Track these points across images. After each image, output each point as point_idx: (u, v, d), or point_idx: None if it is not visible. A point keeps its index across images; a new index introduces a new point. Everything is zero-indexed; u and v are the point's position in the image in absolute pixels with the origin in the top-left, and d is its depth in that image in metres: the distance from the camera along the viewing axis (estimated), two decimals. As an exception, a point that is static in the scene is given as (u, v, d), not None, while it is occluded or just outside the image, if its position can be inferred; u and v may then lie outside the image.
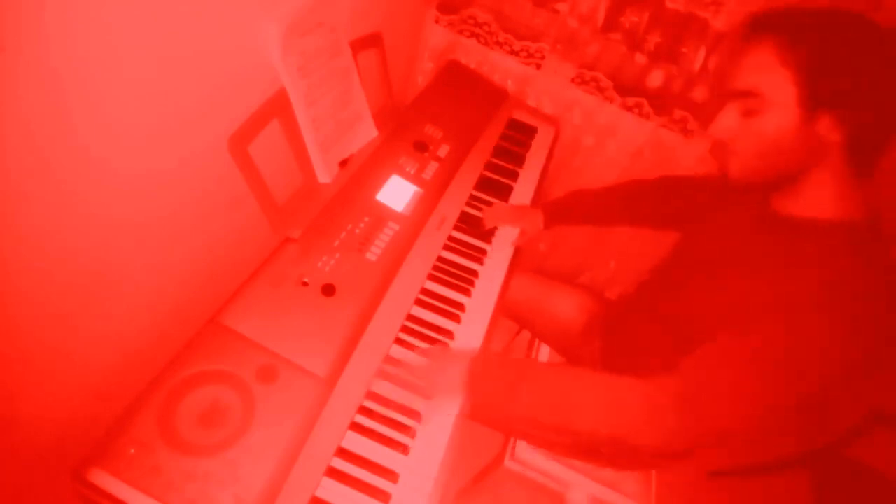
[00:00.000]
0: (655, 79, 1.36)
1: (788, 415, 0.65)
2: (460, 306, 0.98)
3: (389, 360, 0.85)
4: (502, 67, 1.48)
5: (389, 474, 0.74)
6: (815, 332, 0.61)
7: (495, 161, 1.26)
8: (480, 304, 1.00)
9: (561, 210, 1.14)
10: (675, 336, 0.78)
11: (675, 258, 0.90)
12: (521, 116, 1.40)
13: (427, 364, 0.84)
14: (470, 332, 0.95)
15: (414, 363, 0.85)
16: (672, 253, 0.92)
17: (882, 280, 0.62)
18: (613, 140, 1.48)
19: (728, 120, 0.68)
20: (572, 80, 1.43)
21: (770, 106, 0.64)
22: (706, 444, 0.71)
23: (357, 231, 0.93)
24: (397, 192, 1.02)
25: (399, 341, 0.89)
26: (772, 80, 0.63)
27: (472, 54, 1.48)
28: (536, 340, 1.25)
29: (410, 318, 0.93)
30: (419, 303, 0.95)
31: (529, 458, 1.05)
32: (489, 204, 1.17)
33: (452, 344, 0.92)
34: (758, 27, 0.66)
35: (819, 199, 0.67)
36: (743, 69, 0.66)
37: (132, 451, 0.62)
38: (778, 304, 0.63)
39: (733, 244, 0.76)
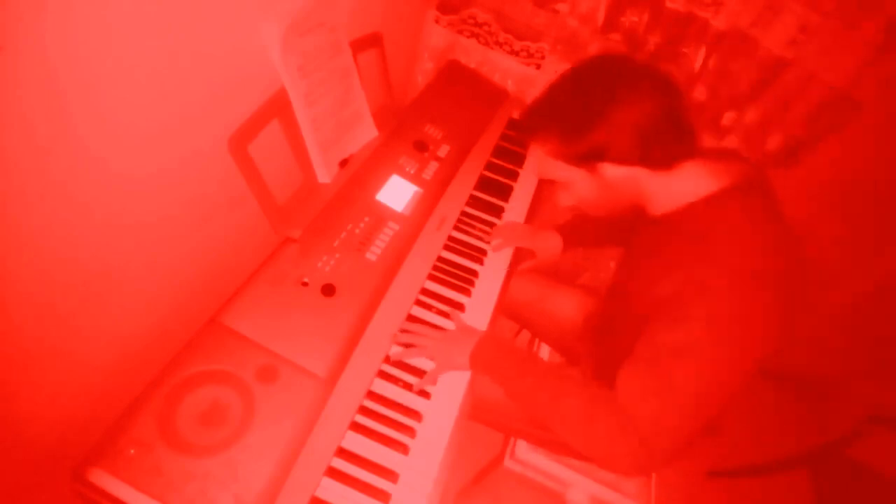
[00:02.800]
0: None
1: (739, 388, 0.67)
2: (460, 306, 0.98)
3: (408, 320, 0.92)
4: (502, 67, 1.48)
5: (389, 474, 0.74)
6: (711, 323, 0.65)
7: (495, 161, 1.26)
8: (480, 304, 1.00)
9: (578, 233, 1.13)
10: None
11: (623, 265, 0.93)
12: (521, 116, 1.40)
13: (444, 333, 0.89)
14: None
15: (428, 332, 0.89)
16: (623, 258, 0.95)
17: (758, 237, 0.67)
18: (613, 140, 1.48)
19: (563, 198, 0.83)
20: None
21: (568, 180, 0.78)
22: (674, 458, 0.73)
23: (357, 231, 0.93)
24: (397, 192, 1.02)
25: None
26: (551, 167, 0.77)
27: (472, 54, 1.48)
28: (536, 340, 1.25)
29: (410, 317, 0.93)
30: (419, 303, 0.95)
31: (529, 458, 1.05)
32: (489, 204, 1.18)
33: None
34: (522, 134, 0.80)
35: (673, 192, 0.74)
36: (536, 165, 0.82)
37: (132, 451, 0.62)
38: (693, 293, 0.66)
39: (647, 253, 0.81)
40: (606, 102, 0.69)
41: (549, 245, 1.12)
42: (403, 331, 0.88)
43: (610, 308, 0.96)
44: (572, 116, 0.72)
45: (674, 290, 0.67)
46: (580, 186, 0.78)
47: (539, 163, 0.80)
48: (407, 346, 0.87)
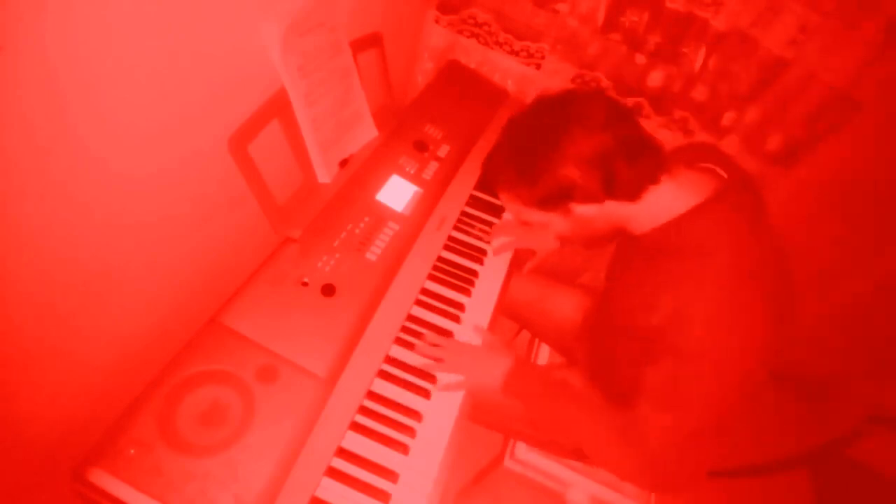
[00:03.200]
0: (655, 79, 1.36)
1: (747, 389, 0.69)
2: (460, 306, 0.98)
3: (409, 321, 0.93)
4: (502, 67, 1.48)
5: (389, 474, 0.74)
6: (726, 324, 0.66)
7: (495, 161, 1.26)
8: (480, 304, 1.00)
9: None
10: (628, 357, 0.81)
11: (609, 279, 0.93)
12: (521, 116, 1.40)
13: (473, 351, 0.90)
14: (470, 332, 0.95)
15: (456, 347, 0.90)
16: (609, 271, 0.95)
17: (740, 248, 0.67)
18: (613, 140, 1.48)
19: (548, 234, 0.84)
20: (572, 81, 1.43)
21: (544, 222, 0.78)
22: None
23: (357, 231, 0.93)
24: (397, 192, 1.02)
25: (399, 341, 0.89)
26: (524, 212, 0.77)
27: (472, 54, 1.48)
28: (536, 340, 1.24)
29: (410, 318, 0.93)
30: (419, 303, 0.95)
31: (529, 458, 1.05)
32: (489, 204, 1.17)
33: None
34: (487, 186, 0.80)
35: (650, 214, 0.73)
36: (511, 212, 0.82)
37: (132, 451, 0.62)
38: (687, 306, 0.67)
39: (633, 269, 0.82)
40: (558, 146, 0.69)
41: (546, 241, 1.12)
42: (433, 344, 0.89)
43: (600, 317, 0.97)
44: (528, 166, 0.72)
45: (669, 311, 0.68)
46: (557, 226, 0.78)
47: (512, 209, 0.80)
48: (435, 359, 0.88)
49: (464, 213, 1.13)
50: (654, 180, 0.71)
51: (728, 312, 0.65)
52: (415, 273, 0.97)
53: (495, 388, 0.86)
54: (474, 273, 1.04)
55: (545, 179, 0.70)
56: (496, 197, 0.79)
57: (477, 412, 0.94)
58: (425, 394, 0.85)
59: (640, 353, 0.73)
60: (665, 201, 0.72)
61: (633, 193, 0.71)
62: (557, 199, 0.72)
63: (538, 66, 1.44)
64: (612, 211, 0.73)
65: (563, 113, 0.70)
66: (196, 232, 0.84)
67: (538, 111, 0.74)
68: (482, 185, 0.82)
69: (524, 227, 1.14)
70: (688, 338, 0.66)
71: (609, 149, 0.67)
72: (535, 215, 0.77)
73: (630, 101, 1.40)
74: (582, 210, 0.73)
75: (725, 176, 0.74)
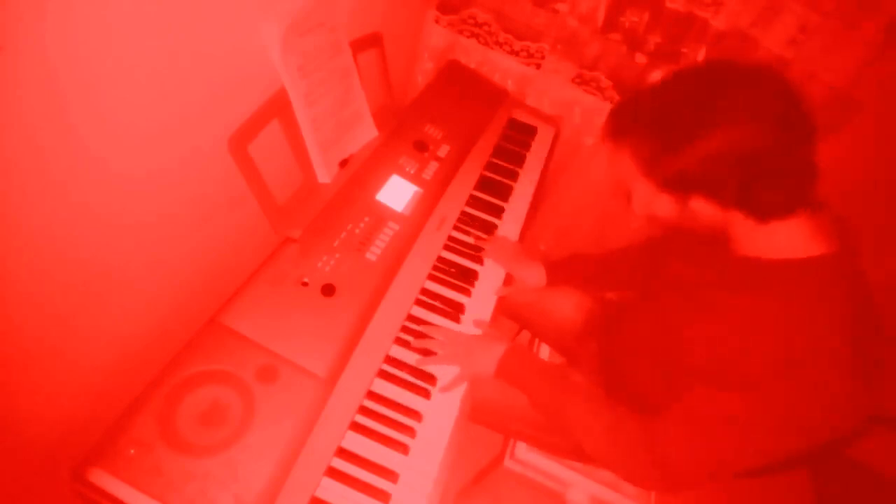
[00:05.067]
0: (655, 79, 1.36)
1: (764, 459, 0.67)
2: (460, 306, 0.98)
3: (409, 321, 0.92)
4: (502, 67, 1.48)
5: (389, 474, 0.74)
6: (777, 400, 0.62)
7: (495, 161, 1.26)
8: (480, 304, 1.00)
9: (565, 273, 1.11)
10: (660, 369, 0.78)
11: (660, 286, 0.87)
12: (521, 116, 1.40)
13: (468, 340, 0.89)
14: (470, 332, 0.95)
15: (450, 337, 0.90)
16: (657, 277, 0.89)
17: (846, 319, 0.61)
18: (613, 140, 1.48)
19: (638, 207, 0.73)
20: (572, 80, 1.43)
21: (648, 198, 0.69)
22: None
23: (357, 231, 0.93)
24: (397, 192, 1.02)
25: (399, 341, 0.89)
26: (632, 179, 0.69)
27: (472, 54, 1.48)
28: (536, 340, 1.24)
29: (410, 318, 0.93)
30: (419, 303, 0.95)
31: (529, 458, 1.05)
32: (489, 204, 1.17)
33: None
34: (611, 133, 0.71)
35: (765, 241, 0.66)
36: (613, 168, 0.71)
37: (132, 451, 0.62)
38: (746, 364, 0.62)
39: (705, 288, 0.74)
40: (718, 125, 0.59)
41: (531, 278, 1.09)
42: (427, 337, 0.89)
43: (635, 324, 0.91)
44: (673, 133, 0.62)
45: (759, 351, 0.62)
46: (660, 208, 0.69)
47: (618, 168, 0.70)
48: (427, 352, 0.88)
49: (464, 213, 1.13)
50: (793, 210, 0.63)
51: (809, 371, 0.60)
52: (415, 273, 0.97)
53: (490, 375, 0.86)
54: (474, 273, 1.04)
55: (682, 156, 0.61)
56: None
57: (477, 412, 0.94)
58: (425, 394, 0.85)
59: (676, 373, 0.70)
60: (787, 236, 0.64)
61: (767, 213, 0.63)
62: (682, 184, 0.64)
63: (538, 66, 1.44)
64: (730, 219, 0.65)
65: (744, 92, 0.60)
66: (196, 232, 0.84)
67: (717, 78, 0.62)
68: (605, 123, 0.72)
69: (513, 251, 1.10)
70: (736, 400, 0.62)
71: (771, 153, 0.59)
72: (643, 187, 0.68)
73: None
74: (698, 206, 0.65)
75: (840, 234, 0.67)
